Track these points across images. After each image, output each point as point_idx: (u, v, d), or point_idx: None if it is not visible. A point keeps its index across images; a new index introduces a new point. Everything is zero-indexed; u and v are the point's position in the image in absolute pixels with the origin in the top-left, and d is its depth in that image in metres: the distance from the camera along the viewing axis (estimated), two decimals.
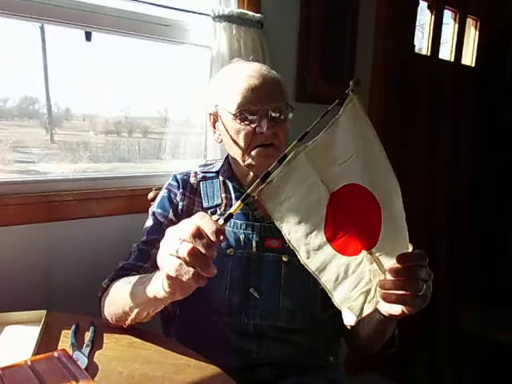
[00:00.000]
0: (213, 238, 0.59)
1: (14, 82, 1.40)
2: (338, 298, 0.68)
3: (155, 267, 0.92)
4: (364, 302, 0.68)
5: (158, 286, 0.68)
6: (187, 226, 0.61)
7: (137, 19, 1.35)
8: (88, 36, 1.30)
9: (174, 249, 0.61)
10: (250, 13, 1.47)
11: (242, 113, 0.96)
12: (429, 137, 2.51)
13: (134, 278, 0.84)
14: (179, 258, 0.60)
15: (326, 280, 0.67)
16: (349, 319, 0.68)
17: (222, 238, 0.60)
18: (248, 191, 0.62)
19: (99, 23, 1.29)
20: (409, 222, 0.66)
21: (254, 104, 0.95)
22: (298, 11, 1.72)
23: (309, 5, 1.74)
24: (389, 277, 0.67)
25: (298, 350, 1.00)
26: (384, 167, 0.65)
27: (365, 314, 0.68)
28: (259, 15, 1.50)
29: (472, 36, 2.70)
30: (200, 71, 1.47)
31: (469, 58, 2.72)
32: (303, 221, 0.65)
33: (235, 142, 0.99)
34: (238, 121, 0.97)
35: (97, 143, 1.77)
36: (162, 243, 0.65)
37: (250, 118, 0.96)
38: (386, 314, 0.75)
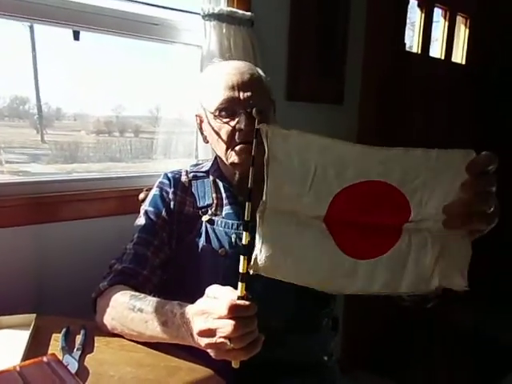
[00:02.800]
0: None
1: (3, 82, 1.39)
2: (409, 287, 0.60)
3: (153, 274, 0.97)
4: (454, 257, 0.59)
5: (188, 340, 0.74)
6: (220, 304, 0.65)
7: (125, 18, 1.33)
8: (76, 35, 1.29)
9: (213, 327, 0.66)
10: (240, 11, 1.46)
11: (221, 111, 0.96)
12: (420, 134, 2.52)
13: (144, 304, 0.83)
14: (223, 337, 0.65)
15: (382, 287, 0.61)
16: (459, 285, 0.59)
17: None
18: (240, 270, 0.65)
19: (88, 22, 1.27)
20: None
21: (231, 101, 0.95)
22: (288, 9, 1.71)
23: (300, 2, 1.73)
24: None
25: (292, 350, 0.99)
26: (356, 150, 0.58)
27: (466, 265, 0.59)
28: (249, 13, 1.49)
29: (462, 33, 2.71)
30: (191, 70, 1.46)
31: (459, 56, 2.73)
32: (317, 264, 0.61)
33: (218, 141, 0.99)
34: (219, 120, 0.97)
35: (88, 143, 1.76)
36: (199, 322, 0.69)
37: (229, 115, 0.96)
38: None
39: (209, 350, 0.69)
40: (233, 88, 0.96)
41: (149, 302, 0.83)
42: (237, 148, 0.96)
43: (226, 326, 0.64)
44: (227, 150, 0.98)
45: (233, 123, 0.96)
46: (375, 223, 0.60)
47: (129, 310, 0.84)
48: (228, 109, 0.96)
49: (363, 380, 2.16)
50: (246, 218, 0.63)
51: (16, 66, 1.38)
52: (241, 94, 0.95)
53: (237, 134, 0.95)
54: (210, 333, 0.67)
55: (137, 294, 0.87)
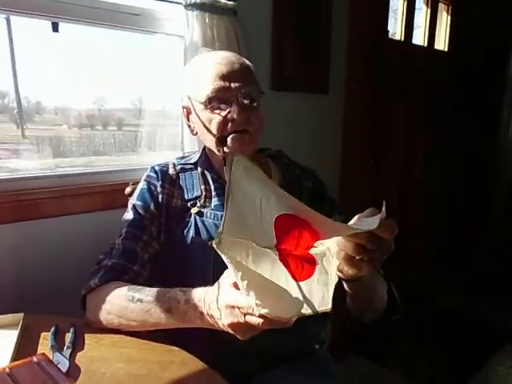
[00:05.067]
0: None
1: None
2: (317, 306, 0.65)
3: (144, 269, 0.96)
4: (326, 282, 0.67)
5: (196, 322, 0.76)
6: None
7: (105, 8, 1.30)
8: (55, 27, 1.26)
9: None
10: (223, 0, 1.44)
11: (212, 101, 0.95)
12: (404, 121, 2.53)
13: (143, 295, 0.83)
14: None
15: (319, 306, 0.64)
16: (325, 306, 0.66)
17: None
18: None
19: (66, 13, 1.24)
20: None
21: (222, 91, 0.94)
22: None
23: None
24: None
25: (284, 339, 1.00)
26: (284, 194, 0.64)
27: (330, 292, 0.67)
28: (232, 3, 1.46)
29: (444, 21, 2.72)
30: (174, 61, 1.44)
31: (442, 43, 2.75)
32: (278, 294, 0.62)
33: (209, 131, 0.98)
34: (209, 109, 0.95)
35: (70, 137, 1.73)
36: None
37: (220, 105, 0.95)
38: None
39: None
40: (223, 77, 0.94)
41: (148, 292, 0.84)
42: (229, 138, 0.95)
43: (257, 322, 0.64)
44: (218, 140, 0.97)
45: (224, 113, 0.94)
46: (301, 250, 0.65)
47: (127, 301, 0.84)
48: (219, 98, 0.94)
49: (354, 366, 2.19)
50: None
51: None
52: (232, 83, 0.94)
53: (229, 123, 0.94)
54: (241, 325, 0.67)
55: (133, 286, 0.87)
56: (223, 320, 0.69)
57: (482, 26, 2.84)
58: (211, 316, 0.72)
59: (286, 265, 0.64)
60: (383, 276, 0.95)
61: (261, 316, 0.62)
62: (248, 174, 0.63)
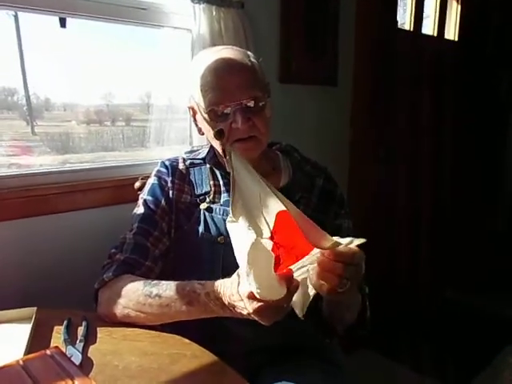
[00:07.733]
0: None
1: None
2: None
3: (155, 264, 0.97)
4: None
5: (217, 312, 0.78)
6: None
7: (112, 3, 1.30)
8: (63, 22, 1.26)
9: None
10: None
11: (214, 111, 0.93)
12: (412, 111, 2.51)
13: (161, 290, 0.84)
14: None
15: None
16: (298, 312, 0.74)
17: None
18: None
19: (74, 9, 1.24)
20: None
21: (224, 101, 0.92)
22: None
23: None
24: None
25: (293, 334, 1.00)
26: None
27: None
28: None
29: (454, 10, 2.68)
30: (181, 55, 1.44)
31: (451, 33, 2.71)
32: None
33: (214, 137, 0.96)
34: (213, 117, 0.94)
35: (79, 133, 1.74)
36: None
37: (223, 113, 0.93)
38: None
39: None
40: (224, 86, 0.92)
41: (166, 287, 0.84)
42: (234, 145, 0.94)
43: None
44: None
45: (228, 121, 0.93)
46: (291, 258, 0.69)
47: (145, 296, 0.85)
48: (221, 108, 0.92)
49: (365, 359, 2.18)
50: None
51: (2, 57, 1.35)
52: (233, 91, 0.91)
53: (233, 132, 0.93)
54: (265, 311, 0.69)
55: (148, 280, 0.88)
56: (248, 308, 0.70)
57: (492, 14, 2.80)
58: (234, 306, 0.73)
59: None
60: (365, 294, 0.99)
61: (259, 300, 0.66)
62: (246, 168, 0.71)
